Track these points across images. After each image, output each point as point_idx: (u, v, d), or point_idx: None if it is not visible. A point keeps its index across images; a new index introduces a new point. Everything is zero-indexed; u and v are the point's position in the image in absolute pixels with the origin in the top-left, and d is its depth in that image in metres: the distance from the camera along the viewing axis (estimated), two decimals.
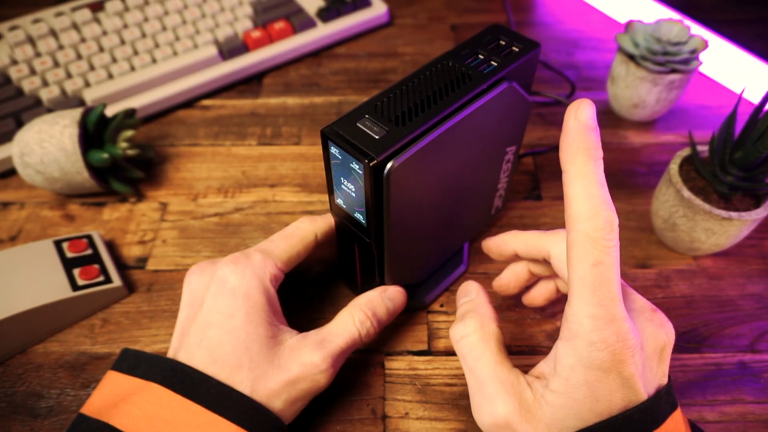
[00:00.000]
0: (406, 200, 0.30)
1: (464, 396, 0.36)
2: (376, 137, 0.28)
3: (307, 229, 0.35)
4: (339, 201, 0.33)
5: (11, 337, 0.38)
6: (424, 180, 0.31)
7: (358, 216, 0.32)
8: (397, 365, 0.38)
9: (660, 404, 0.26)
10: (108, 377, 0.30)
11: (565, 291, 0.35)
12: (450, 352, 0.39)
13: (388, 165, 0.27)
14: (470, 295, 0.32)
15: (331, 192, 0.33)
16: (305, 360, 0.30)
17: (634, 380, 0.25)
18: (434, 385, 0.37)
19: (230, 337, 0.30)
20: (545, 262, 0.33)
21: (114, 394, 0.29)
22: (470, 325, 0.29)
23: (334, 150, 0.29)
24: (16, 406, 0.36)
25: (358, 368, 0.38)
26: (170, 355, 0.31)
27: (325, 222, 0.36)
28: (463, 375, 0.37)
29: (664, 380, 0.27)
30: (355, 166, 0.28)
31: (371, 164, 0.27)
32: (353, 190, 0.30)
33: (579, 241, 0.24)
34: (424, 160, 0.30)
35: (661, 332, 0.27)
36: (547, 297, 0.37)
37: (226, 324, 0.30)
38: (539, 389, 0.27)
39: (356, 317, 0.33)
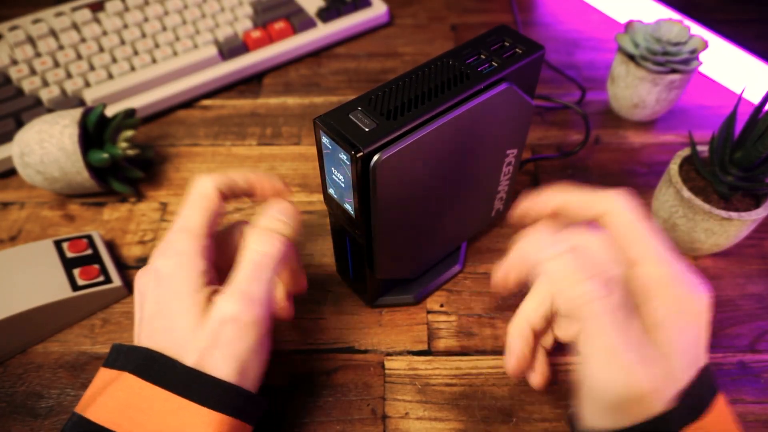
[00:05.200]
0: (394, 194, 0.31)
1: (464, 396, 0.36)
2: (366, 129, 0.29)
3: (207, 188, 0.33)
4: (331, 191, 0.33)
5: (11, 337, 0.38)
6: (412, 175, 0.31)
7: (348, 207, 0.32)
8: (397, 365, 0.38)
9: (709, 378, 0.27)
10: (97, 374, 0.31)
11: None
12: (450, 352, 0.39)
13: (375, 158, 0.28)
14: (566, 240, 0.29)
15: (323, 182, 0.33)
16: (217, 314, 0.29)
17: (705, 330, 0.28)
18: (434, 385, 0.37)
19: (166, 321, 0.30)
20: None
21: (97, 388, 0.29)
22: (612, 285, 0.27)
23: (325, 140, 0.30)
24: (16, 406, 0.36)
25: (358, 368, 0.38)
26: None
27: (222, 176, 0.34)
28: (463, 375, 0.37)
29: None
30: (343, 156, 0.29)
31: (358, 155, 0.28)
32: (342, 180, 0.31)
33: (618, 209, 0.29)
34: (414, 155, 0.30)
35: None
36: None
37: (162, 310, 0.30)
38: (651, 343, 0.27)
39: (251, 245, 0.31)
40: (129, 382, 0.28)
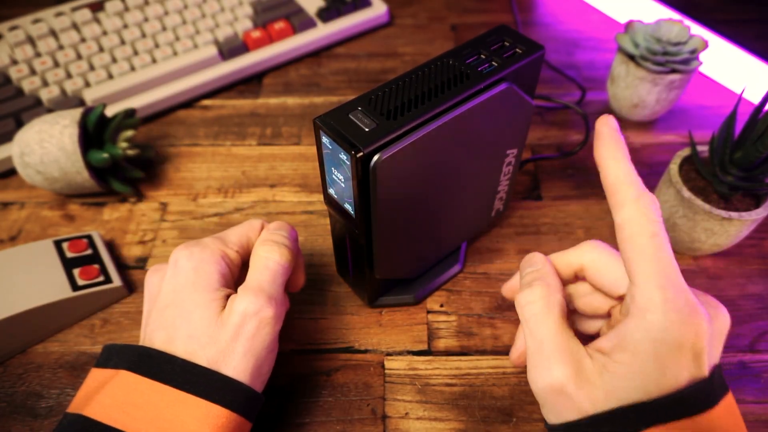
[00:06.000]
0: (394, 194, 0.31)
1: (464, 396, 0.36)
2: (366, 129, 0.29)
3: (256, 221, 0.36)
4: (331, 191, 0.33)
5: (11, 337, 0.38)
6: (412, 175, 0.31)
7: (348, 207, 0.32)
8: (397, 365, 0.38)
9: (714, 383, 0.26)
10: (89, 374, 0.31)
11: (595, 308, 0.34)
12: (450, 352, 0.39)
13: (375, 158, 0.28)
14: (536, 264, 0.32)
15: (324, 182, 0.33)
16: (240, 308, 0.30)
17: (703, 356, 0.25)
18: (434, 385, 0.37)
19: (180, 310, 0.30)
20: (576, 280, 0.33)
21: (91, 388, 0.29)
22: (536, 293, 0.30)
23: (325, 140, 0.30)
24: (16, 406, 0.36)
25: (358, 368, 0.38)
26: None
27: (273, 224, 0.36)
28: (463, 375, 0.37)
29: (717, 360, 0.27)
30: (343, 156, 0.29)
31: (358, 155, 0.28)
32: (342, 180, 0.31)
33: (633, 218, 0.27)
34: (414, 155, 0.30)
35: (721, 314, 0.28)
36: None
37: (177, 299, 0.30)
38: (600, 359, 0.27)
39: (261, 253, 0.33)
40: (126, 379, 0.29)
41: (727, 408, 0.26)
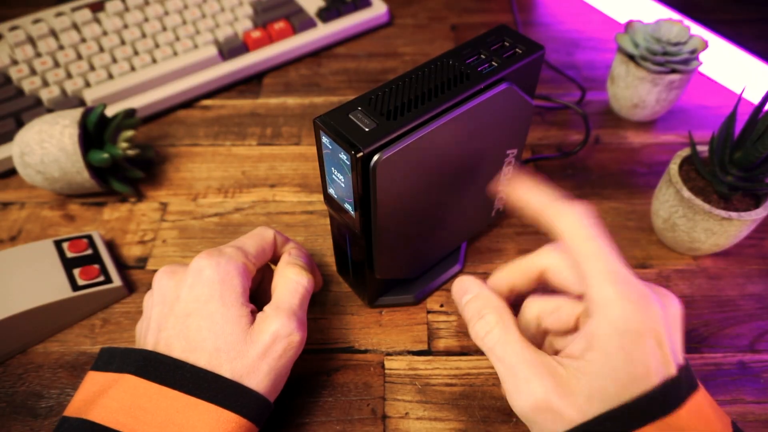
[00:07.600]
0: (394, 194, 0.31)
1: (464, 396, 0.36)
2: (366, 129, 0.29)
3: (268, 231, 0.37)
4: (331, 191, 0.33)
5: (11, 337, 0.38)
6: (412, 175, 0.31)
7: (348, 207, 0.32)
8: (397, 365, 0.38)
9: (681, 383, 0.26)
10: (86, 378, 0.31)
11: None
12: (450, 352, 0.39)
13: (375, 158, 0.28)
14: (472, 290, 0.32)
15: (324, 182, 0.33)
16: (272, 328, 0.31)
17: (664, 341, 0.26)
18: (434, 385, 0.37)
19: (207, 322, 0.30)
20: (536, 286, 0.33)
21: (92, 392, 0.29)
22: (491, 320, 0.30)
23: (325, 140, 0.30)
24: (16, 406, 0.36)
25: (358, 368, 0.38)
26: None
27: (279, 235, 0.37)
28: (463, 375, 0.37)
29: (679, 346, 0.28)
30: (343, 156, 0.29)
31: (358, 155, 0.28)
32: (342, 180, 0.31)
33: (569, 227, 0.29)
34: (414, 155, 0.30)
35: (671, 303, 0.28)
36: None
37: (204, 310, 0.30)
38: (573, 365, 0.27)
39: (291, 276, 0.34)
40: (132, 384, 0.28)
41: (696, 406, 0.26)
